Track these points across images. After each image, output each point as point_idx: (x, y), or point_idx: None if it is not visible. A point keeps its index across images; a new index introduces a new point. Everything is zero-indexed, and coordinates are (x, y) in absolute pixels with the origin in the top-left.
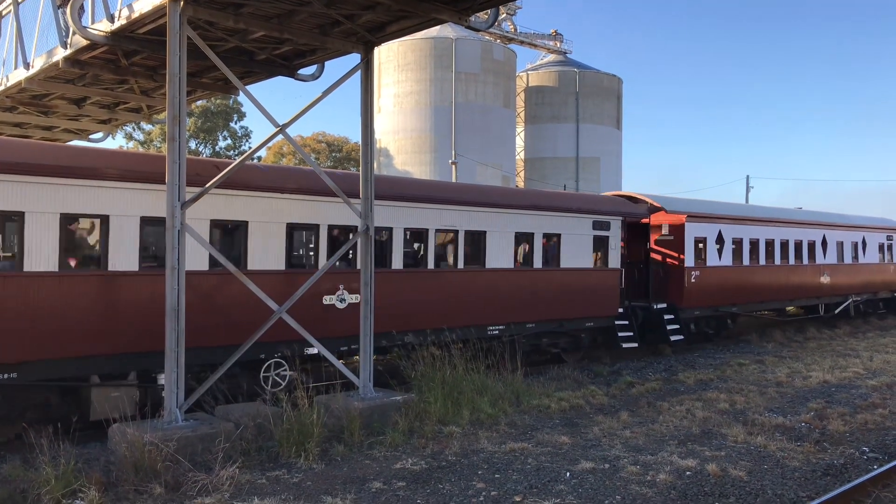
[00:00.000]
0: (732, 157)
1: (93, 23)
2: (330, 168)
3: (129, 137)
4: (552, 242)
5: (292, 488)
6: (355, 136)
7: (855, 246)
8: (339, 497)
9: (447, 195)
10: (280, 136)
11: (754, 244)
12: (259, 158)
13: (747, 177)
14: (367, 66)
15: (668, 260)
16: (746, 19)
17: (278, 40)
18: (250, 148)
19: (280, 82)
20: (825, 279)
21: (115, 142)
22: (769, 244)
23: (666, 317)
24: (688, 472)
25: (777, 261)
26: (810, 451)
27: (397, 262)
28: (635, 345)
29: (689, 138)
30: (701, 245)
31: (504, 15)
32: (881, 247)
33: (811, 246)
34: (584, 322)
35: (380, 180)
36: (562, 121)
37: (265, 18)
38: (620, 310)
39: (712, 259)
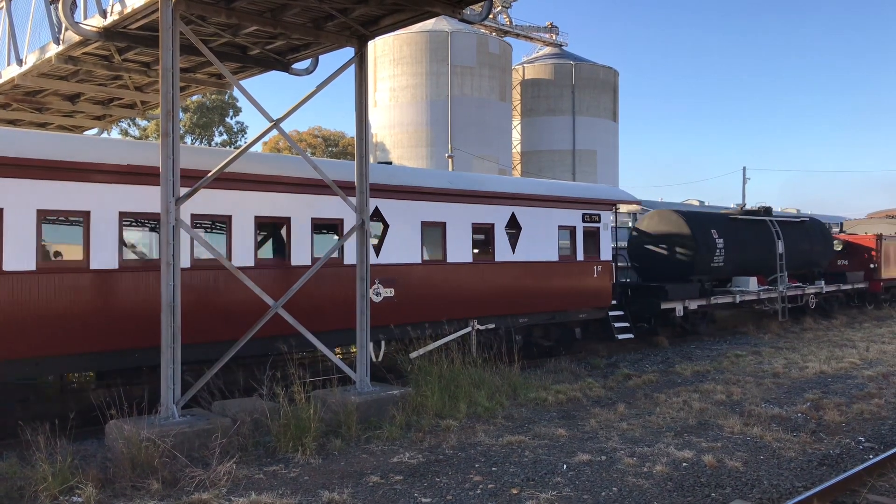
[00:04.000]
0: (731, 148)
1: (85, 18)
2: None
3: (125, 133)
4: None
5: (289, 483)
6: (352, 131)
7: (489, 231)
8: (337, 491)
9: None
10: (275, 131)
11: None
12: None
13: (744, 168)
14: (360, 61)
15: None
16: (744, 9)
17: (271, 35)
18: (246, 143)
19: (276, 77)
20: (381, 293)
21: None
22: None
23: None
24: (684, 464)
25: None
26: (806, 441)
27: None
28: None
29: (687, 130)
30: None
31: (499, 8)
32: (571, 232)
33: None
34: None
35: None
36: (558, 114)
37: (258, 13)
38: None
39: None
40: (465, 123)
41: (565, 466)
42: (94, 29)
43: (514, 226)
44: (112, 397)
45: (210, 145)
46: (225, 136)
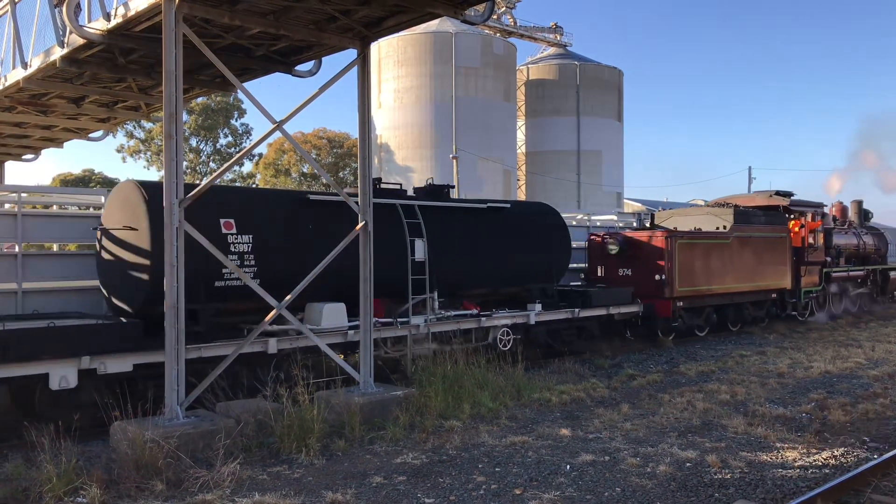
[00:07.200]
0: (739, 147)
1: (89, 21)
2: (332, 164)
3: (130, 136)
4: None
5: (293, 483)
6: (356, 132)
7: None
8: (340, 492)
9: None
10: (279, 133)
11: None
12: (260, 155)
13: (749, 168)
14: (363, 62)
15: None
16: (750, 7)
17: (275, 36)
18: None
19: (281, 79)
20: None
21: (116, 140)
22: None
23: None
24: (688, 464)
25: None
26: (811, 441)
27: None
28: None
29: (693, 130)
30: None
31: (503, 8)
32: None
33: None
34: None
35: None
36: (563, 114)
37: (261, 14)
38: None
39: None
40: (469, 124)
41: (569, 467)
42: (98, 32)
43: None
44: (116, 398)
45: (215, 147)
46: (230, 138)
